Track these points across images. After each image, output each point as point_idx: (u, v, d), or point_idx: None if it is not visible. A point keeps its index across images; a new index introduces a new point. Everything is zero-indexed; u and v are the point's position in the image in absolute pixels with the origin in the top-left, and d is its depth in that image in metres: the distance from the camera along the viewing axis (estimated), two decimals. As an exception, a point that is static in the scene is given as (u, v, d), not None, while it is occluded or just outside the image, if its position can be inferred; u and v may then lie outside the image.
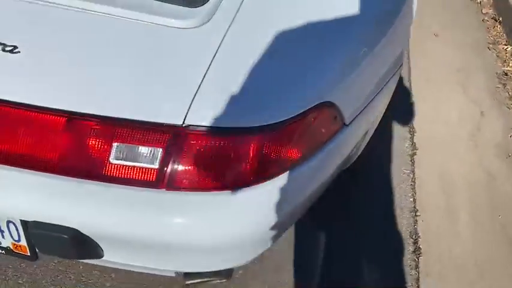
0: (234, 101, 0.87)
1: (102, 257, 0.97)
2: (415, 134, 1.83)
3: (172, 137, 0.84)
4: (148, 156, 0.84)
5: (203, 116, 0.85)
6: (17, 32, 0.90)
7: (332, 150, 0.99)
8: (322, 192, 1.13)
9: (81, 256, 0.95)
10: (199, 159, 0.85)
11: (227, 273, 1.05)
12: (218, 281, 1.07)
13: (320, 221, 1.47)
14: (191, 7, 0.93)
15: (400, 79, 1.95)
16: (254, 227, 0.90)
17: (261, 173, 0.88)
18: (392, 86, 1.28)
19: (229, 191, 0.86)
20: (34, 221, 0.86)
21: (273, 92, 0.91)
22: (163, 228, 0.86)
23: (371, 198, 1.58)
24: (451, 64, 2.24)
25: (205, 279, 1.04)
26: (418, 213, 1.54)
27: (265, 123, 0.88)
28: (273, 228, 0.95)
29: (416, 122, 1.89)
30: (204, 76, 0.87)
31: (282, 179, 0.91)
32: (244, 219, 0.88)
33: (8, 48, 0.88)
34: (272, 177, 0.89)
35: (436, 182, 1.66)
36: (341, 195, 1.48)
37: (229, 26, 0.93)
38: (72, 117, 0.84)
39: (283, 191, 0.91)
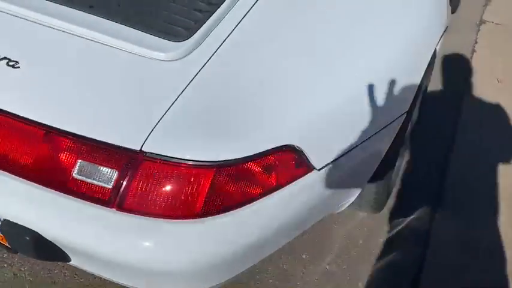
0: (194, 134, 0.91)
1: (69, 261, 1.05)
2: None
3: (128, 161, 0.90)
4: (105, 176, 0.91)
5: (161, 145, 0.89)
6: (19, 48, 1.01)
7: (293, 193, 0.99)
8: (298, 229, 1.14)
9: (48, 258, 1.04)
10: (151, 186, 0.90)
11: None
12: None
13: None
14: (174, 41, 0.98)
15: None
16: (196, 258, 0.93)
17: (209, 208, 0.91)
18: (390, 133, 1.24)
19: (174, 221, 0.90)
20: (5, 219, 0.96)
21: (233, 130, 0.93)
22: (110, 246, 0.92)
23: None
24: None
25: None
26: None
27: (221, 160, 0.90)
28: (223, 260, 0.97)
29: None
30: (170, 108, 0.92)
31: (231, 216, 0.93)
32: (183, 250, 0.91)
33: (11, 63, 0.99)
34: (220, 213, 0.92)
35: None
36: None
37: (206, 62, 0.97)
38: (50, 131, 0.93)
39: (231, 228, 0.93)
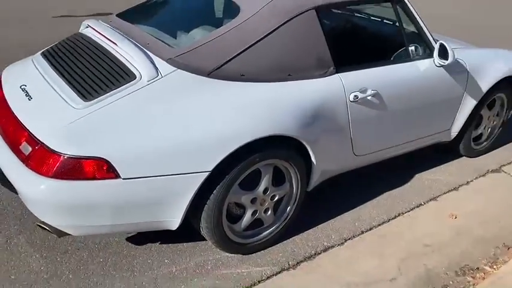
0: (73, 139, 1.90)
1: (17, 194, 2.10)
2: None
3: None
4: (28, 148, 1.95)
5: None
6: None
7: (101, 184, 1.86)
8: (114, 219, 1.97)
9: (11, 188, 2.09)
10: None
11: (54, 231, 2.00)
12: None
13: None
14: (84, 99, 2.01)
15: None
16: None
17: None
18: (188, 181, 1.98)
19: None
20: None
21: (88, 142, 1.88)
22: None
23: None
24: None
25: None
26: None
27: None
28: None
29: None
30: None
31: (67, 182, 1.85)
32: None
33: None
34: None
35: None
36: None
37: (93, 111, 1.97)
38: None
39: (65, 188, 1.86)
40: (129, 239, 2.40)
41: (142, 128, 1.94)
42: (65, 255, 2.26)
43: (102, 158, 1.86)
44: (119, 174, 1.88)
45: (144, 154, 1.90)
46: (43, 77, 2.26)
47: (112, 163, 1.87)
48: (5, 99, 2.24)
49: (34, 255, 2.24)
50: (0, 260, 2.19)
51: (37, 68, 2.37)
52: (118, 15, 2.69)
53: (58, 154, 1.85)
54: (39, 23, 6.07)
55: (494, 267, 2.47)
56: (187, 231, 2.32)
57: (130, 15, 2.66)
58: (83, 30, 2.62)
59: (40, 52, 2.57)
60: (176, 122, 1.98)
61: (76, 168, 1.85)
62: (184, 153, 1.95)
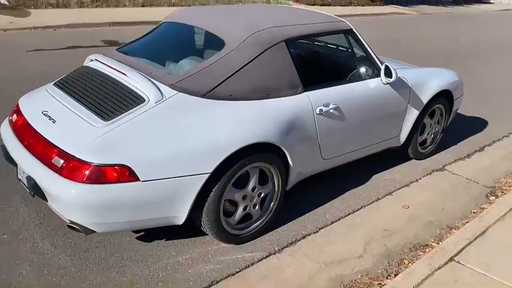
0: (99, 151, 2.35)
1: (47, 201, 2.50)
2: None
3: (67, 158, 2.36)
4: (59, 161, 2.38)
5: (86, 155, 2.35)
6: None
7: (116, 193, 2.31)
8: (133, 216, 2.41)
9: (42, 197, 2.49)
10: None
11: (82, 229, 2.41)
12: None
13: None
14: (104, 119, 2.47)
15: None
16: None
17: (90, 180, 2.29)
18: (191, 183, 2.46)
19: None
20: (27, 175, 2.48)
21: (115, 153, 2.33)
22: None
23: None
24: None
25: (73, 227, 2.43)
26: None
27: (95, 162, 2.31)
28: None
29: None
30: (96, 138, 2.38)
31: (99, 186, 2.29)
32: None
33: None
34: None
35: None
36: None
37: (113, 129, 2.42)
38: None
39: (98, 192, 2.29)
40: (138, 238, 2.82)
41: (155, 140, 2.41)
42: (86, 253, 2.66)
43: (125, 165, 2.31)
44: (138, 177, 2.33)
45: (157, 160, 2.37)
46: (61, 103, 2.70)
47: (133, 169, 2.32)
48: (29, 124, 2.66)
49: (60, 254, 2.63)
50: (32, 261, 2.56)
51: (53, 96, 2.81)
52: (118, 50, 3.17)
53: (88, 164, 2.29)
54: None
55: (440, 243, 3.04)
56: (187, 230, 2.77)
57: (129, 50, 3.15)
58: (88, 63, 3.08)
59: (52, 83, 3.00)
60: (181, 134, 2.47)
61: (103, 174, 2.30)
62: (189, 158, 2.43)
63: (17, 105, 2.93)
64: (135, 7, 12.45)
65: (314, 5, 15.86)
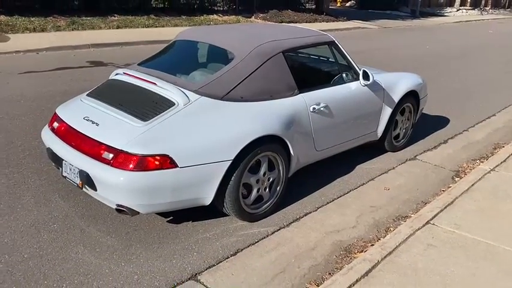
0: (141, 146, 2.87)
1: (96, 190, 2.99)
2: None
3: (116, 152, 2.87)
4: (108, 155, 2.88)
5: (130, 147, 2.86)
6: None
7: (160, 178, 2.83)
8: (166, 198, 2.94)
9: (93, 188, 2.98)
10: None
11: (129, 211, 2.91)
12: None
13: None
14: (142, 120, 3.00)
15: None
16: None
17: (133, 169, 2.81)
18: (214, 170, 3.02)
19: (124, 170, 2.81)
20: (80, 169, 2.97)
21: (152, 147, 2.86)
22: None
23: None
24: None
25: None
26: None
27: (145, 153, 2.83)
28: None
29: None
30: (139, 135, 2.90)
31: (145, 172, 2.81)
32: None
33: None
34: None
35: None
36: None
37: (152, 127, 2.95)
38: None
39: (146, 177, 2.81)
40: (168, 222, 3.33)
41: (187, 134, 2.96)
42: (127, 235, 3.15)
43: (166, 155, 2.85)
44: (177, 164, 2.87)
45: (191, 150, 2.92)
46: (99, 109, 3.21)
47: (172, 157, 2.86)
48: (72, 128, 3.16)
49: (106, 237, 3.11)
50: (84, 242, 3.03)
51: (89, 104, 3.32)
52: (139, 64, 3.72)
53: (135, 155, 2.82)
54: (18, 79, 6.78)
55: (417, 215, 3.68)
56: (205, 214, 3.31)
57: (150, 64, 3.70)
58: (114, 76, 3.61)
59: (85, 93, 3.51)
60: (207, 129, 3.03)
61: (147, 163, 2.82)
62: (215, 148, 2.99)
63: (55, 114, 3.43)
64: (110, 29, 12.78)
65: (281, 22, 16.70)
